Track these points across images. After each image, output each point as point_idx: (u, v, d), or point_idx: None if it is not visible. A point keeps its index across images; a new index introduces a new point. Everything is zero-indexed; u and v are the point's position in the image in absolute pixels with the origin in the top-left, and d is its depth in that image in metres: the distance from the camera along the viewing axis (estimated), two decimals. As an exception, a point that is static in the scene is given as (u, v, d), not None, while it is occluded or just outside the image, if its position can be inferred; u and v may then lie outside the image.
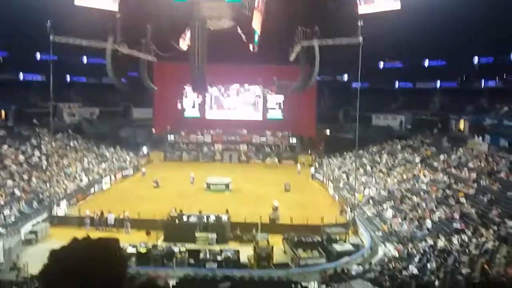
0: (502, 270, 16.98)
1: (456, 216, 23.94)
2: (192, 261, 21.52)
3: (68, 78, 49.47)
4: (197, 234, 24.41)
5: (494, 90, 42.31)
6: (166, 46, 35.70)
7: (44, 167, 33.91)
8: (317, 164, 44.51)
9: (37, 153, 36.16)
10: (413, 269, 19.03)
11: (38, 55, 44.24)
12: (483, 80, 43.13)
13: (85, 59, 49.62)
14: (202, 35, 27.23)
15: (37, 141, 38.62)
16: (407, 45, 41.86)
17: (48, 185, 30.18)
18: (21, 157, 34.15)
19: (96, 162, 40.03)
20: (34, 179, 31.39)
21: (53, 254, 1.41)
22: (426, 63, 48.83)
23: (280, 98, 50.08)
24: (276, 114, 51.42)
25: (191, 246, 22.94)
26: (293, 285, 17.64)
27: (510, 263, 17.29)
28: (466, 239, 21.05)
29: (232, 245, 24.14)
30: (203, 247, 23.02)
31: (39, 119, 41.52)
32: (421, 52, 45.75)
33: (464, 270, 17.65)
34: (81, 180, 34.39)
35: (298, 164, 44.53)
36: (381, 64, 52.03)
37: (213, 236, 24.32)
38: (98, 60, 39.45)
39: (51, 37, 28.58)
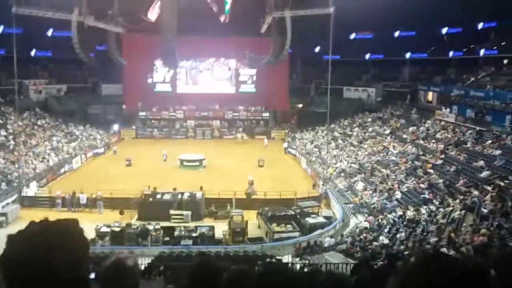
0: (468, 238, 17.69)
1: (424, 186, 24.67)
2: (167, 238, 21.63)
3: (33, 52, 47.40)
4: (172, 212, 24.46)
5: (461, 60, 42.93)
6: (134, 18, 34.70)
7: (11, 147, 32.96)
8: (290, 139, 44.75)
9: (3, 132, 35.06)
10: (383, 240, 19.64)
11: (0, 29, 42.22)
12: (451, 51, 43.61)
13: (50, 32, 47.55)
14: (171, 6, 26.56)
15: (2, 120, 37.39)
16: (377, 16, 41.72)
17: (16, 165, 29.43)
18: (-14, 137, 33.10)
19: (65, 141, 39.15)
20: (1, 160, 30.54)
21: (10, 239, 1.37)
22: (397, 33, 48.95)
23: (253, 71, 49.61)
24: (248, 88, 51.02)
25: (165, 224, 23.01)
26: (268, 259, 17.97)
27: (475, 231, 18.02)
28: (434, 209, 21.79)
29: (207, 222, 24.34)
30: (177, 225, 23.11)
31: (4, 96, 40.05)
32: (392, 23, 45.73)
33: (432, 239, 18.32)
34: (48, 161, 33.59)
35: (265, 139, 44.47)
36: (352, 36, 51.88)
37: (188, 213, 24.41)
38: (65, 33, 37.82)
39: (13, 9, 27.35)
